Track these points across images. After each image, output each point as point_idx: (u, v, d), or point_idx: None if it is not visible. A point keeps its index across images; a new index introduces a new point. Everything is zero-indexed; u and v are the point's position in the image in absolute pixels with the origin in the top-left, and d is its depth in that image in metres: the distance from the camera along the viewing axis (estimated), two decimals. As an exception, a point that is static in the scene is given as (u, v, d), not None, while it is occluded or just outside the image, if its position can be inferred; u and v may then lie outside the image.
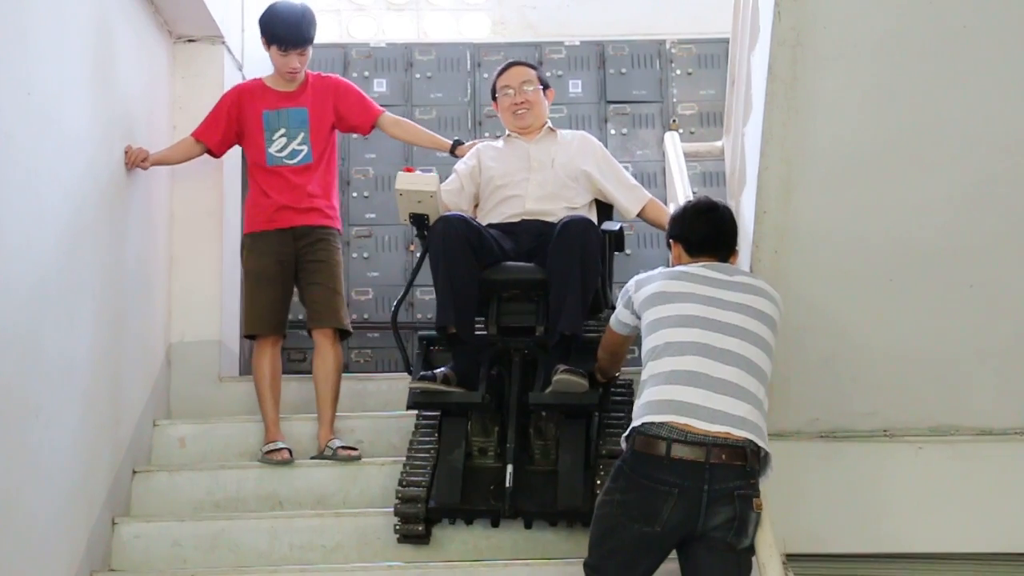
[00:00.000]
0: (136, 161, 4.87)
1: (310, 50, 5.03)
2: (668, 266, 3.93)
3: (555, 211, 4.60)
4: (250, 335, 5.12)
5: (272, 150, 5.00)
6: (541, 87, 4.91)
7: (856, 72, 3.69)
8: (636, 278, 3.84)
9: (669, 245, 3.92)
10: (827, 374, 4.38)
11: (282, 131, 5.01)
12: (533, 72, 4.93)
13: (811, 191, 3.93)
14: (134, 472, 4.83)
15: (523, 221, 4.64)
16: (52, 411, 3.96)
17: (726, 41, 4.92)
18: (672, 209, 3.98)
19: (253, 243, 5.06)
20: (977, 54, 3.61)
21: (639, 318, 3.74)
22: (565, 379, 4.15)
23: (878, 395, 4.47)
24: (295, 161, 5.00)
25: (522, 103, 4.85)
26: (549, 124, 4.92)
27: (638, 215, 4.78)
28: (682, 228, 3.84)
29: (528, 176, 4.72)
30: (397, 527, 4.32)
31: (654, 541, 3.45)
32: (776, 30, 3.59)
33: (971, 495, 4.54)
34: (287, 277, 5.00)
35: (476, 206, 4.86)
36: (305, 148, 5.01)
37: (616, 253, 4.82)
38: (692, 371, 3.48)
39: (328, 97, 5.09)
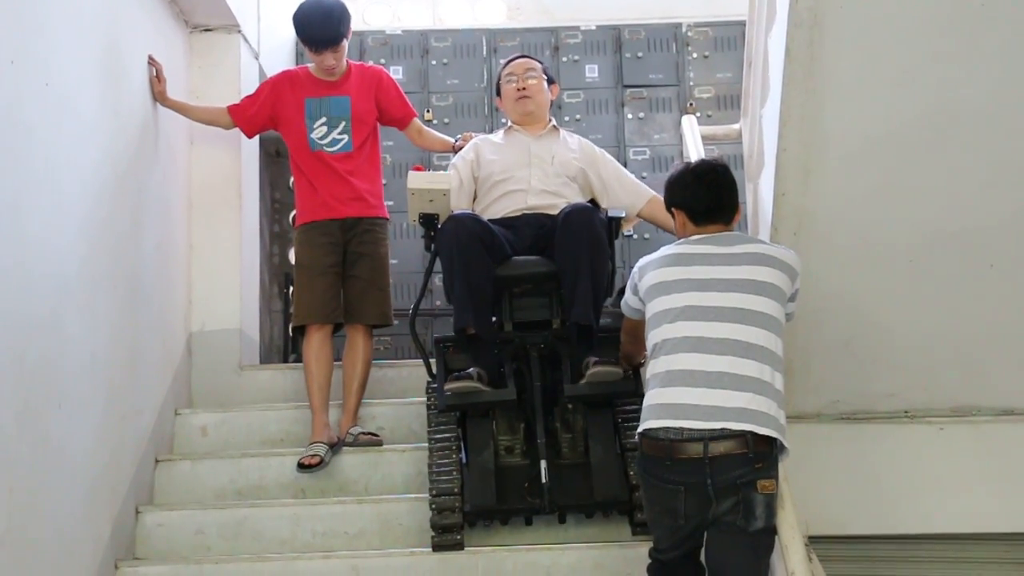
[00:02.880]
0: (158, 88, 4.98)
1: (345, 45, 5.02)
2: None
3: (556, 205, 4.58)
4: (297, 327, 5.08)
5: (314, 136, 5.02)
6: (545, 80, 4.89)
7: (874, 52, 3.67)
8: (640, 263, 3.81)
9: (672, 212, 3.84)
10: (847, 356, 4.37)
11: (323, 119, 5.02)
12: (538, 64, 4.94)
13: (830, 173, 3.91)
14: (157, 461, 4.86)
15: (524, 215, 4.61)
16: (74, 402, 3.98)
17: (742, 23, 4.89)
18: (667, 178, 3.91)
19: (303, 235, 5.07)
20: (995, 32, 3.58)
21: (644, 303, 3.74)
22: (601, 371, 4.18)
23: (899, 376, 4.46)
24: (335, 149, 5.02)
25: (523, 89, 4.84)
26: (553, 123, 4.89)
27: (639, 215, 4.73)
28: (684, 197, 3.77)
29: (529, 171, 4.69)
30: (434, 538, 4.25)
31: (684, 531, 3.52)
32: (793, 11, 3.58)
33: (993, 475, 4.54)
34: (337, 267, 5.01)
35: (474, 200, 4.83)
36: (346, 137, 5.03)
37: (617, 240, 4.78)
38: (686, 370, 3.48)
39: (371, 88, 5.12)
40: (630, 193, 4.72)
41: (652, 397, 3.54)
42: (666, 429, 3.45)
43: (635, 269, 3.81)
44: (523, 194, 4.65)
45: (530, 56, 5.09)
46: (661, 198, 4.62)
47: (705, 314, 3.53)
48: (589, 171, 4.72)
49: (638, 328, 3.87)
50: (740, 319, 3.52)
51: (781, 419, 3.47)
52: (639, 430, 3.57)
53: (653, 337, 3.62)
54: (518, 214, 4.61)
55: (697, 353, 3.49)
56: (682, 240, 3.75)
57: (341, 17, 4.97)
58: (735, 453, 3.40)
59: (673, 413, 3.45)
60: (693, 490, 3.43)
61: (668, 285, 3.63)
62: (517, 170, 4.70)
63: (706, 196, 3.73)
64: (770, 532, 3.48)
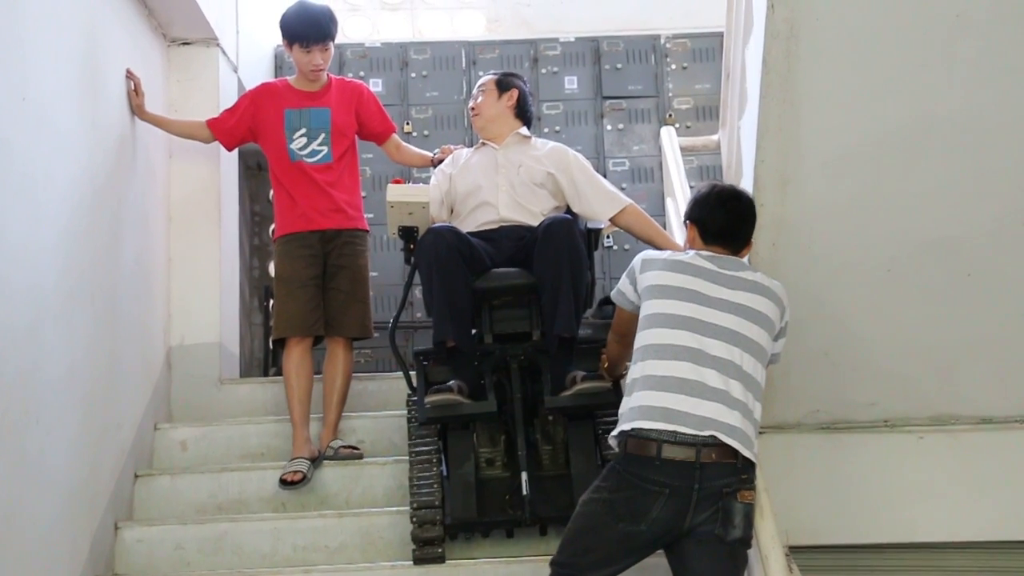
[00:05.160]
0: (136, 102, 4.98)
1: (332, 47, 5.04)
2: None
3: (530, 216, 4.58)
4: (277, 339, 5.06)
5: (293, 147, 5.01)
6: (498, 91, 4.85)
7: (850, 63, 3.69)
8: (643, 256, 3.79)
9: (686, 224, 3.84)
10: (827, 365, 4.38)
11: (303, 131, 5.01)
12: (491, 79, 4.91)
13: (807, 183, 3.93)
14: (136, 476, 4.83)
15: (502, 227, 4.59)
16: (53, 416, 3.96)
17: (720, 35, 4.92)
18: (693, 192, 3.89)
19: (283, 247, 5.05)
20: (970, 43, 3.61)
21: (640, 298, 3.72)
22: (589, 386, 4.19)
23: (878, 386, 4.47)
24: (315, 160, 5.01)
25: (472, 108, 4.91)
26: (523, 132, 4.84)
27: (613, 221, 4.64)
28: (701, 213, 3.77)
29: (496, 182, 4.68)
30: (415, 551, 4.24)
31: (636, 540, 3.46)
32: (770, 23, 3.59)
33: (972, 484, 4.55)
34: (317, 279, 4.99)
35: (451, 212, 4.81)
36: (325, 148, 5.02)
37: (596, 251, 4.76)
38: (683, 378, 3.46)
39: (352, 101, 5.13)
40: (603, 199, 4.65)
41: (642, 399, 3.49)
42: (659, 431, 3.42)
43: (636, 261, 3.78)
44: (493, 207, 4.63)
45: (496, 72, 5.08)
46: (638, 207, 4.66)
47: (705, 329, 3.53)
48: (559, 175, 4.67)
49: (630, 324, 3.79)
50: (735, 342, 3.53)
51: (756, 448, 3.49)
52: (624, 428, 3.49)
53: (647, 337, 3.59)
54: (496, 226, 4.60)
55: (694, 364, 3.48)
56: (690, 251, 3.76)
57: (331, 16, 5.03)
58: (725, 462, 3.40)
59: (666, 416, 3.43)
60: (677, 494, 3.40)
61: (670, 290, 3.61)
62: (486, 182, 4.69)
63: (722, 219, 3.73)
64: (746, 543, 3.48)
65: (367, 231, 5.18)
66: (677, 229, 4.85)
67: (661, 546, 3.50)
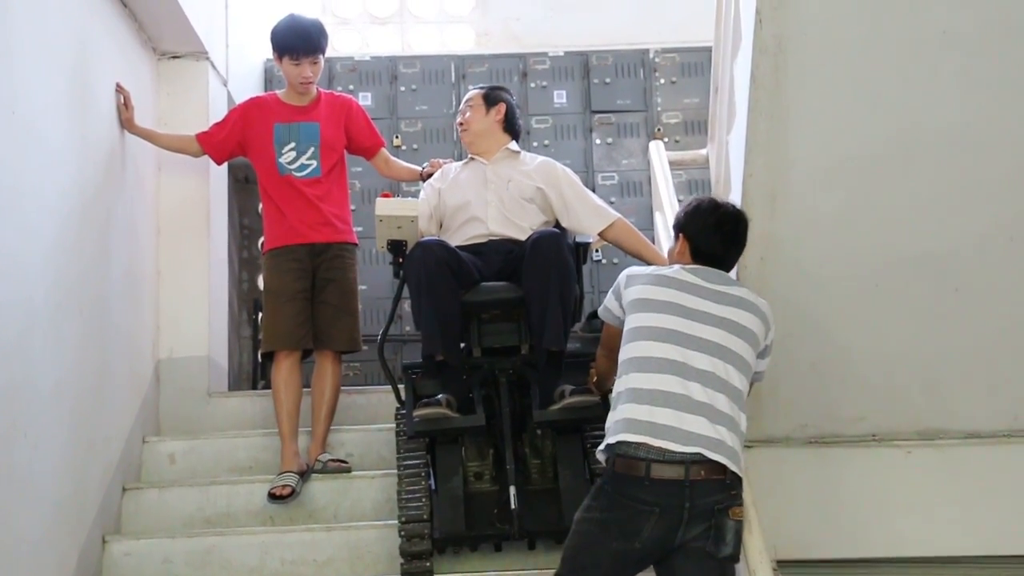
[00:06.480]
0: (125, 115, 4.98)
1: (322, 61, 5.06)
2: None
3: (519, 230, 4.59)
4: (266, 353, 5.05)
5: (282, 161, 5.01)
6: (485, 106, 4.86)
7: (838, 78, 3.71)
8: (628, 272, 3.78)
9: (676, 234, 3.83)
10: (815, 380, 4.39)
11: (292, 145, 5.01)
12: (479, 93, 4.92)
13: (795, 198, 3.94)
14: (124, 489, 4.82)
15: (490, 241, 4.60)
16: (40, 429, 3.95)
17: (709, 50, 4.93)
18: (693, 200, 3.87)
19: (272, 261, 5.05)
20: (957, 59, 3.63)
21: (624, 313, 3.73)
22: (578, 400, 4.19)
23: (866, 400, 4.48)
24: (304, 174, 5.01)
25: (460, 123, 4.91)
26: (512, 147, 4.84)
27: (601, 235, 4.65)
28: (695, 230, 3.76)
29: (486, 198, 4.68)
30: (403, 565, 4.22)
31: (631, 557, 3.45)
32: (758, 38, 3.61)
33: (960, 498, 4.55)
34: (306, 293, 4.99)
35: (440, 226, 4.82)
36: (314, 163, 5.02)
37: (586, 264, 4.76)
38: (667, 391, 3.46)
39: (341, 115, 5.13)
40: (591, 214, 4.66)
41: (627, 411, 3.48)
42: (647, 447, 3.40)
43: (622, 276, 3.78)
44: (481, 222, 4.64)
45: (483, 86, 5.09)
46: (627, 221, 4.67)
47: (689, 342, 3.53)
48: (548, 190, 4.69)
49: (618, 339, 3.77)
50: (720, 355, 3.53)
51: (743, 461, 3.49)
52: (609, 441, 3.49)
53: (631, 351, 3.59)
54: (484, 240, 4.61)
55: (678, 377, 3.48)
56: (676, 264, 3.76)
57: (321, 29, 5.05)
58: (715, 479, 3.40)
59: (651, 431, 3.41)
60: (667, 512, 3.39)
61: (654, 304, 3.61)
62: (475, 196, 4.69)
63: (716, 243, 3.74)
64: (735, 560, 3.48)
65: (356, 244, 5.18)
66: (665, 243, 4.85)
67: (656, 560, 3.49)
